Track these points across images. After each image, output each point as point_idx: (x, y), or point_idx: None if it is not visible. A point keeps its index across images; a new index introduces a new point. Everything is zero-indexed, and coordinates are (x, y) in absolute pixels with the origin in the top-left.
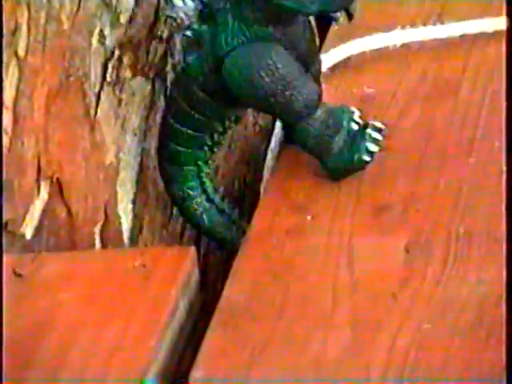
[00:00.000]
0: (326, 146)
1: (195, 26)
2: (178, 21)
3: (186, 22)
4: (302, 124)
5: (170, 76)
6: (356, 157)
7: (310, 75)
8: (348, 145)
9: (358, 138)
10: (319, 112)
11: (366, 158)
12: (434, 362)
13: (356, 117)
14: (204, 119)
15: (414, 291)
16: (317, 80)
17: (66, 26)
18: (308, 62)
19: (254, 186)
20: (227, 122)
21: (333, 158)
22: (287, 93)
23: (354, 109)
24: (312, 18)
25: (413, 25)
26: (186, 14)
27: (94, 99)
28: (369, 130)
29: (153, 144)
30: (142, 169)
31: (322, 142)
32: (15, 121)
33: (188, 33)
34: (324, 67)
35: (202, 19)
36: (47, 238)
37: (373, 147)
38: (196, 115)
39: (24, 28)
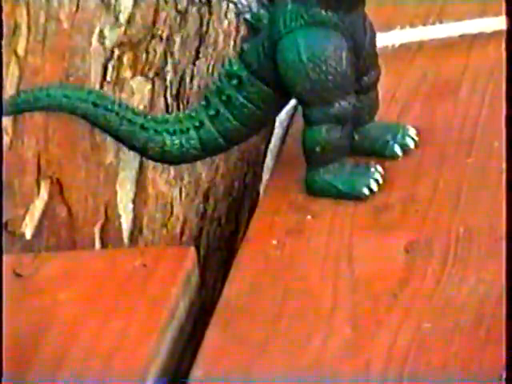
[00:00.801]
0: (328, 159)
1: (255, 10)
2: (239, 6)
3: (246, 7)
4: (318, 128)
5: (170, 76)
6: (358, 183)
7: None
8: (354, 170)
9: (364, 170)
10: (346, 127)
11: (366, 191)
12: (433, 361)
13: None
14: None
15: (414, 291)
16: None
17: (65, 25)
18: (364, 56)
19: (253, 186)
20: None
21: (332, 173)
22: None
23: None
24: None
25: (412, 25)
26: None
27: None
28: (373, 170)
29: None
30: (141, 169)
31: (328, 152)
32: (15, 121)
33: (247, 16)
34: None
35: (261, 3)
36: (47, 238)
37: (374, 185)
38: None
39: (24, 27)
